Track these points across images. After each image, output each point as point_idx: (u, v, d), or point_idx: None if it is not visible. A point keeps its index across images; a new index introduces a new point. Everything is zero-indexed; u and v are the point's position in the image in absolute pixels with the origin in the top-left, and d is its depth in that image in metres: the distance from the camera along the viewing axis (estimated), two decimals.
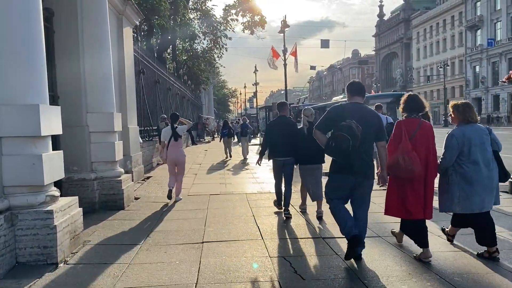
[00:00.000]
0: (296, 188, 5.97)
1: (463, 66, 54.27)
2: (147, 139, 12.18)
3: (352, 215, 3.85)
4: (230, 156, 15.51)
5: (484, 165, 3.79)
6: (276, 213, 5.95)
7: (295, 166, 5.70)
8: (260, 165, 6.10)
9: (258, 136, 36.15)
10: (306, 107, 7.03)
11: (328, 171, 3.99)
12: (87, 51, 6.17)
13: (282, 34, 26.47)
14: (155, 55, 15.96)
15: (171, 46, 25.87)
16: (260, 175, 10.17)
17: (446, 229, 4.37)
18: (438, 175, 4.00)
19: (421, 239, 3.86)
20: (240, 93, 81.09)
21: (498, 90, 47.75)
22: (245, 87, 70.73)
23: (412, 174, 3.69)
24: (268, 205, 6.40)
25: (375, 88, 67.53)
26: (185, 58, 33.68)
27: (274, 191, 5.96)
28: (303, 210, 5.90)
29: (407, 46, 72.62)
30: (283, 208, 5.67)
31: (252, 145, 24.55)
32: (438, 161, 3.93)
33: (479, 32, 52.14)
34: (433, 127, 3.95)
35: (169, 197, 6.89)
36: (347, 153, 3.53)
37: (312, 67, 36.37)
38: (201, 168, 12.09)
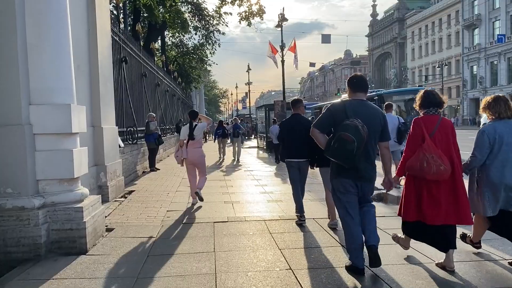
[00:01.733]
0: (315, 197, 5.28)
1: (460, 66, 53.28)
2: (130, 142, 9.98)
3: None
4: (223, 157, 15.23)
5: None
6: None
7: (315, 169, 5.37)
8: (278, 162, 5.81)
9: (252, 137, 34.41)
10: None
11: None
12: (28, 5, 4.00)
13: (270, 35, 24.31)
14: (142, 44, 13.75)
15: (159, 38, 23.66)
16: (268, 184, 8.10)
17: (469, 235, 4.02)
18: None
19: (445, 242, 3.50)
20: (232, 94, 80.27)
21: (497, 91, 46.62)
22: (236, 87, 69.77)
23: (442, 175, 3.36)
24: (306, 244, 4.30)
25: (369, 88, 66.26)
26: (175, 54, 31.52)
27: (301, 215, 5.23)
28: (333, 226, 4.94)
29: (401, 46, 71.89)
30: (300, 213, 5.22)
31: (247, 147, 22.48)
32: (466, 160, 3.72)
33: (476, 31, 51.35)
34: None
35: (201, 199, 6.53)
36: (351, 156, 3.20)
37: (312, 64, 34.62)
38: None
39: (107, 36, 7.46)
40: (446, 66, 52.30)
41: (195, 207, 6.39)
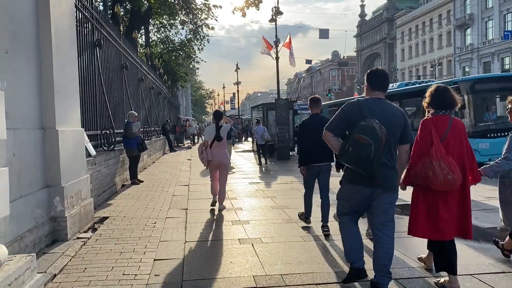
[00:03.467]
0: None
1: (452, 67, 52.43)
2: (105, 148, 7.82)
3: (373, 240, 3.21)
4: None
5: None
6: None
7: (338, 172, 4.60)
8: (304, 174, 5.02)
9: (243, 140, 32.40)
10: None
11: None
12: None
13: (255, 37, 22.60)
14: (122, 30, 11.54)
15: (143, 29, 21.45)
16: (292, 205, 6.05)
17: (501, 242, 3.81)
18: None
19: (451, 264, 3.15)
20: (218, 94, 78.62)
21: None
22: (224, 87, 68.35)
23: (451, 185, 3.00)
24: None
25: (358, 89, 65.22)
26: (160, 51, 29.28)
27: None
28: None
29: (391, 46, 71.27)
30: (322, 224, 4.85)
31: (240, 151, 20.39)
32: (492, 163, 3.51)
33: (468, 31, 50.79)
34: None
35: (214, 204, 6.34)
36: (368, 161, 2.81)
37: (308, 61, 32.84)
38: (193, 195, 7.78)
39: (67, 3, 5.30)
40: (439, 67, 51.38)
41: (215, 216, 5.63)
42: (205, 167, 6.48)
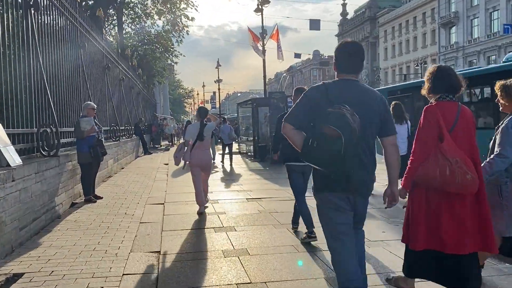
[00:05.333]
0: None
1: None
2: (45, 153, 5.42)
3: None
4: None
5: None
6: None
7: None
8: (277, 159, 4.88)
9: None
10: None
11: None
12: None
13: (234, 37, 20.68)
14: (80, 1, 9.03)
15: (115, 16, 18.91)
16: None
17: None
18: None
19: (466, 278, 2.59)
20: (198, 93, 76.60)
21: None
22: (203, 86, 66.27)
23: (469, 186, 2.49)
24: None
25: None
26: (135, 43, 26.71)
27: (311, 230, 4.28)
28: None
29: (373, 45, 70.80)
30: (307, 230, 4.32)
31: (226, 153, 18.06)
32: (486, 163, 2.93)
33: (453, 29, 50.37)
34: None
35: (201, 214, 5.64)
36: (339, 158, 2.15)
37: (297, 55, 30.83)
38: (170, 221, 5.42)
39: None
40: (426, 65, 50.59)
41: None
42: (179, 167, 5.87)
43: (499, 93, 3.03)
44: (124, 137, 13.62)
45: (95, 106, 6.65)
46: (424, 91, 2.80)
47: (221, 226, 4.93)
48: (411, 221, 2.71)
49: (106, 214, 5.48)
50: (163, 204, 6.26)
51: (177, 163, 6.00)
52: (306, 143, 2.26)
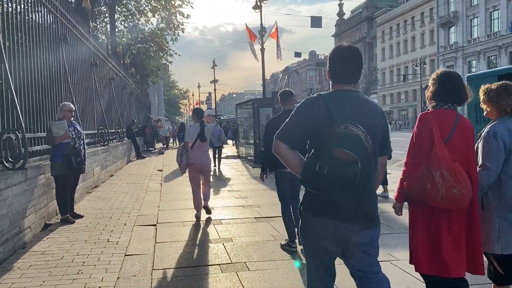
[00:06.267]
0: None
1: (435, 66, 51.17)
2: (8, 164, 4.35)
3: None
4: None
5: None
6: None
7: None
8: (264, 179, 4.53)
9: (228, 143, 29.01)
10: None
11: None
12: None
13: (229, 38, 19.78)
14: None
15: (107, 13, 17.83)
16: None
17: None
18: None
19: None
20: (193, 94, 75.64)
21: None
22: (199, 86, 65.48)
23: (457, 202, 2.31)
24: None
25: None
26: (127, 41, 25.61)
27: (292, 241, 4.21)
28: None
29: (370, 45, 70.27)
30: (289, 239, 4.21)
31: (223, 157, 17.00)
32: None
33: (453, 29, 49.80)
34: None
35: (209, 211, 5.67)
36: (354, 185, 1.86)
37: (297, 54, 29.83)
38: (163, 255, 4.37)
39: None
40: (425, 65, 49.95)
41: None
42: (181, 173, 5.88)
43: (481, 97, 2.82)
44: (114, 140, 12.53)
45: (73, 107, 5.55)
46: (427, 94, 2.63)
47: (229, 262, 3.86)
48: (410, 239, 2.57)
49: (83, 242, 4.40)
50: (155, 225, 5.18)
51: (182, 169, 5.73)
52: (311, 167, 1.93)
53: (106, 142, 10.59)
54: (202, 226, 5.29)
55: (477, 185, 2.50)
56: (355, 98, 2.11)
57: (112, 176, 10.35)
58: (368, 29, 69.89)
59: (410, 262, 2.57)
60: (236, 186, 8.49)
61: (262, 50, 22.35)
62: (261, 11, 22.46)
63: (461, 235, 2.45)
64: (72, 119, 5.53)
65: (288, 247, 4.19)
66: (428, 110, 2.58)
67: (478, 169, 2.62)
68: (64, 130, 5.07)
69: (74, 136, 5.30)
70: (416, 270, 2.54)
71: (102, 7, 24.49)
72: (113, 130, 12.79)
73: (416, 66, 48.14)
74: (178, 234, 4.80)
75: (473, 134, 2.59)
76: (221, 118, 34.17)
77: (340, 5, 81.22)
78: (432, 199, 2.32)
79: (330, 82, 2.19)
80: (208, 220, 5.62)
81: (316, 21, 21.87)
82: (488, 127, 2.70)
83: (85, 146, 5.73)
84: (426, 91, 2.68)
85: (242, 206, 6.37)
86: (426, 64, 49.85)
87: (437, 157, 2.34)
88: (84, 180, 7.67)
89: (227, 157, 17.16)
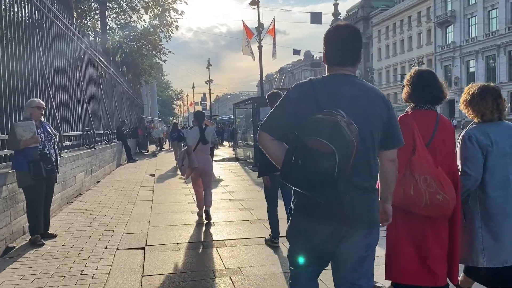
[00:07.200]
0: None
1: (433, 66, 50.74)
2: None
3: None
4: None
5: None
6: None
7: None
8: (267, 184, 4.36)
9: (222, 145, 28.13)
10: None
11: None
12: None
13: (223, 39, 18.96)
14: None
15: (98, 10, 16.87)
16: None
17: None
18: None
19: None
20: (187, 95, 74.83)
21: None
22: (193, 87, 64.90)
23: (441, 209, 2.27)
24: None
25: None
26: (119, 39, 24.61)
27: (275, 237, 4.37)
28: None
29: (366, 45, 69.78)
30: (272, 235, 4.42)
31: (219, 159, 16.05)
32: None
33: (450, 28, 49.35)
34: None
35: (209, 218, 5.50)
36: (331, 181, 1.64)
37: (296, 51, 28.96)
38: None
39: None
40: (423, 65, 49.41)
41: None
42: (184, 178, 5.96)
43: (461, 99, 2.71)
44: (102, 143, 11.51)
45: (43, 104, 4.54)
46: (403, 95, 2.60)
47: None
48: (387, 249, 2.46)
49: (49, 275, 3.40)
50: (144, 249, 4.19)
51: (184, 174, 5.68)
52: (288, 160, 1.73)
53: (92, 145, 9.57)
54: (201, 249, 4.31)
55: (459, 188, 2.43)
56: (349, 83, 1.87)
57: (98, 182, 9.33)
58: (364, 29, 69.40)
59: (388, 278, 2.44)
60: (238, 194, 7.51)
61: (260, 47, 21.55)
62: (258, 7, 21.65)
63: (446, 242, 2.40)
64: (42, 118, 4.54)
65: (271, 243, 4.41)
66: (407, 111, 2.51)
67: (459, 174, 2.51)
68: (31, 133, 4.06)
69: (43, 139, 4.30)
70: (399, 281, 2.40)
71: (93, 4, 23.51)
72: (101, 132, 11.76)
73: (414, 66, 47.61)
74: (171, 262, 3.80)
75: (454, 134, 2.55)
76: (217, 119, 33.27)
77: (335, 5, 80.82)
78: (415, 205, 2.27)
79: (326, 66, 1.98)
80: (208, 225, 5.36)
81: (316, 17, 21.06)
82: (464, 130, 2.61)
83: (57, 151, 4.71)
84: (403, 92, 2.62)
85: (249, 221, 5.39)
86: (424, 63, 49.27)
87: (420, 162, 2.29)
88: (64, 188, 6.67)
89: (224, 159, 16.18)
